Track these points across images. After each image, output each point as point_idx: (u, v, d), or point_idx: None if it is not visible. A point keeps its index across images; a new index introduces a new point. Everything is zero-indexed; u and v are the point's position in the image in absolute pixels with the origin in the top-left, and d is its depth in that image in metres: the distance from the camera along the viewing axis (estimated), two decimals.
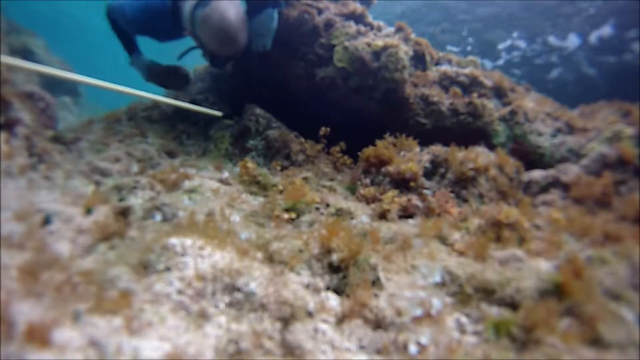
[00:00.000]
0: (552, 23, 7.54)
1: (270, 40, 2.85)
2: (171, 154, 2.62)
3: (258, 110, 2.86)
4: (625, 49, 7.01)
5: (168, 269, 1.11)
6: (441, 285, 1.27)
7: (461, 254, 1.45)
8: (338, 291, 1.23)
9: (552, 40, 7.70)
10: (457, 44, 8.83)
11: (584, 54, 7.39)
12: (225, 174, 2.15)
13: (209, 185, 1.92)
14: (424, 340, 1.01)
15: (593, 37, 7.26)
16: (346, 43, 2.74)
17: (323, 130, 2.54)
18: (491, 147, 2.57)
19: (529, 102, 3.04)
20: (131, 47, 3.04)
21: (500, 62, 8.49)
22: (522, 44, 8.05)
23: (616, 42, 7.10)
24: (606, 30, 7.12)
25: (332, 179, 2.36)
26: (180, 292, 1.04)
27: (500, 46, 8.33)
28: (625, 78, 7.10)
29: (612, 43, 7.13)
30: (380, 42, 2.68)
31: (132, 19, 2.83)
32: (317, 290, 1.21)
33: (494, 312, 1.17)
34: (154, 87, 3.16)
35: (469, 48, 8.78)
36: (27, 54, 5.97)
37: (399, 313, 1.10)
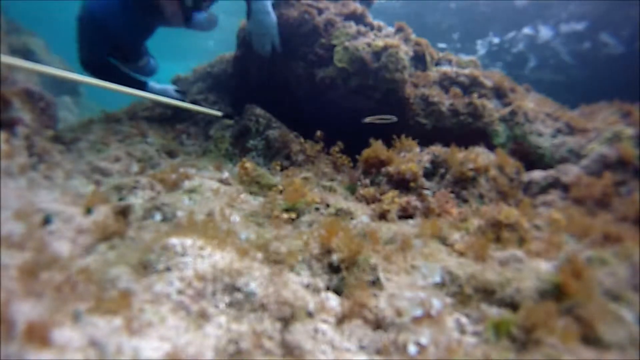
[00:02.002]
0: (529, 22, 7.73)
1: (272, 40, 2.83)
2: (171, 154, 2.62)
3: (258, 110, 2.86)
4: (598, 41, 7.18)
5: (168, 269, 1.11)
6: (441, 285, 1.27)
7: (461, 254, 1.45)
8: (338, 291, 1.23)
9: (526, 30, 7.89)
10: (448, 42, 8.97)
11: (560, 40, 7.54)
12: (225, 174, 2.15)
13: (209, 185, 1.92)
14: (423, 340, 1.01)
15: (566, 28, 7.45)
16: (346, 43, 2.74)
17: (319, 134, 2.55)
18: (491, 147, 2.57)
19: (529, 102, 3.04)
20: (135, 82, 3.02)
21: (482, 53, 8.66)
22: (496, 40, 8.25)
23: (588, 34, 7.27)
24: (579, 26, 7.32)
25: (332, 179, 2.36)
26: (180, 292, 1.04)
27: (479, 42, 8.53)
28: (602, 67, 7.26)
29: (585, 35, 7.30)
30: (380, 43, 2.68)
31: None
32: (317, 291, 1.21)
33: (494, 312, 1.17)
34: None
35: (458, 45, 8.91)
36: (27, 54, 5.96)
37: (399, 313, 1.10)
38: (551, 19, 7.50)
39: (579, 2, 7.00)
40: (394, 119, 2.46)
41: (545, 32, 7.65)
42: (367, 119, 2.45)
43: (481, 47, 8.54)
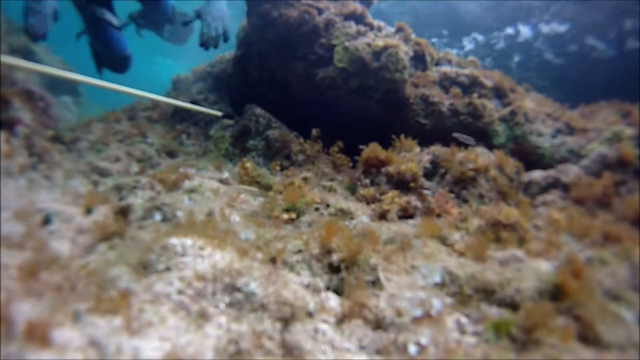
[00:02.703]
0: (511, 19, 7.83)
1: (225, 27, 2.78)
2: (171, 154, 2.62)
3: (258, 110, 2.86)
4: (585, 44, 7.25)
5: (168, 269, 1.11)
6: (441, 285, 1.27)
7: (461, 254, 1.45)
8: (338, 291, 1.23)
9: (508, 30, 7.99)
10: (437, 37, 9.04)
11: (542, 40, 7.61)
12: (225, 174, 2.15)
13: (209, 185, 1.92)
14: (423, 340, 1.01)
15: (547, 29, 7.53)
16: (346, 43, 2.74)
17: (315, 132, 2.55)
18: (491, 147, 2.57)
19: (529, 102, 3.04)
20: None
21: (467, 49, 8.76)
22: (481, 38, 8.34)
23: (573, 37, 7.35)
24: (561, 28, 7.40)
25: (332, 179, 2.36)
26: (180, 292, 1.04)
27: (465, 40, 8.64)
28: (592, 70, 7.33)
29: (569, 37, 7.39)
30: (380, 43, 2.68)
31: None
32: (317, 291, 1.21)
33: (494, 312, 1.17)
34: (154, 86, 3.17)
35: (445, 40, 8.98)
36: (27, 54, 5.96)
37: (399, 313, 1.10)
38: (532, 19, 7.59)
39: (560, 3, 7.05)
40: (473, 141, 2.51)
41: (525, 32, 7.75)
42: (456, 135, 2.49)
43: (467, 44, 8.64)
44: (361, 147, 2.21)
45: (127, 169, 2.20)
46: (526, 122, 2.86)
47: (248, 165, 2.17)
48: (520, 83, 3.27)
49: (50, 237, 1.29)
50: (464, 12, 8.06)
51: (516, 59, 8.07)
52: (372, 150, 2.16)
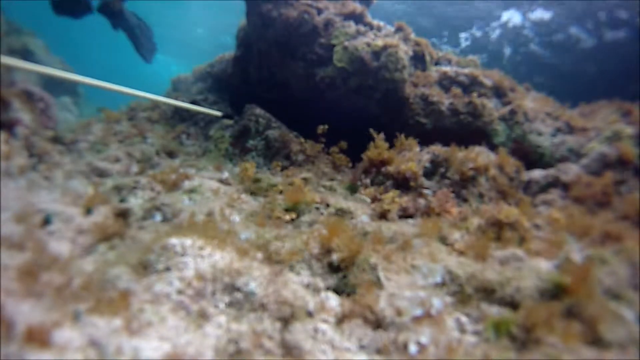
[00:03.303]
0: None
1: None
2: (171, 154, 2.62)
3: (258, 110, 2.86)
4: (570, 34, 7.37)
5: (168, 269, 1.11)
6: (441, 285, 1.27)
7: (461, 253, 1.45)
8: (338, 291, 1.23)
9: (504, 17, 8.12)
10: (438, 37, 9.10)
11: (530, 27, 7.74)
12: (225, 174, 2.15)
13: (209, 186, 1.92)
14: (424, 340, 1.01)
15: (533, 16, 7.67)
16: (346, 43, 2.73)
17: (321, 129, 2.54)
18: (491, 146, 2.57)
19: (529, 101, 3.04)
20: None
21: (463, 46, 8.84)
22: (478, 33, 8.43)
23: (555, 26, 7.47)
24: (546, 15, 7.53)
25: (332, 179, 2.36)
26: (180, 292, 1.04)
27: (462, 35, 8.71)
28: (577, 60, 7.43)
29: (552, 26, 7.51)
30: (380, 42, 2.68)
31: None
32: (317, 290, 1.21)
33: (494, 311, 1.17)
34: (154, 86, 3.17)
35: (445, 40, 9.03)
36: (27, 55, 5.96)
37: (399, 313, 1.10)
38: (520, 8, 7.73)
39: None
40: None
41: (516, 19, 7.89)
42: None
43: (464, 41, 8.71)
44: (377, 141, 2.18)
45: (127, 170, 2.20)
46: (526, 121, 2.86)
47: (249, 167, 2.17)
48: (521, 83, 3.27)
49: (50, 238, 1.29)
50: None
51: (507, 51, 8.17)
52: (378, 152, 2.14)
